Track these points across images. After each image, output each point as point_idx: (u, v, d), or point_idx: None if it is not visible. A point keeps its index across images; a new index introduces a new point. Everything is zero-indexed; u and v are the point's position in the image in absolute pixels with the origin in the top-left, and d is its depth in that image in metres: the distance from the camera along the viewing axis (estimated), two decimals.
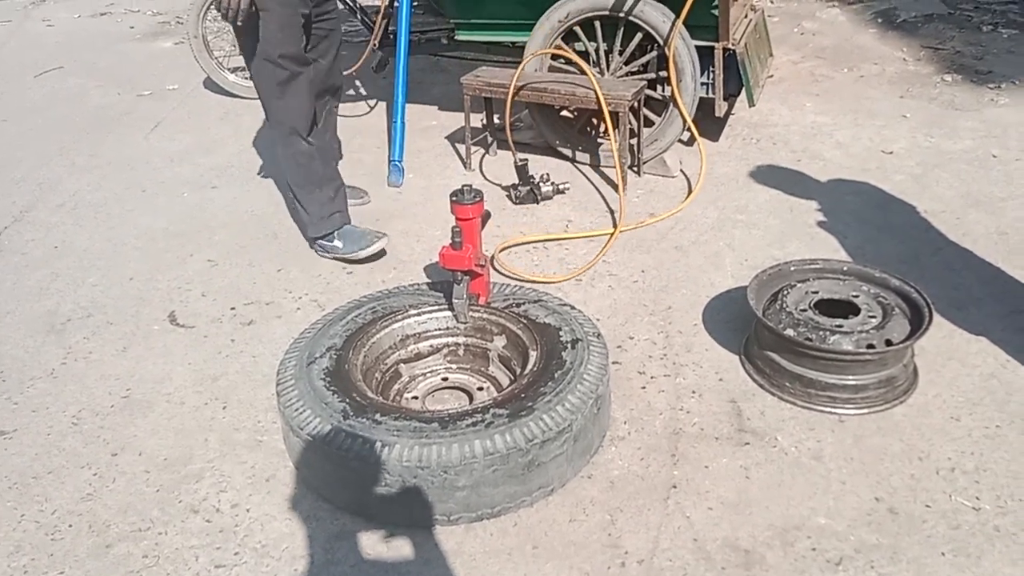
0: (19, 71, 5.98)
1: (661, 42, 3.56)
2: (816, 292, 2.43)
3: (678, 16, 3.45)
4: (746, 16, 4.06)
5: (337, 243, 3.07)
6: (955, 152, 3.76)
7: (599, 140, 3.91)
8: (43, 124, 4.85)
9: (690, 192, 3.51)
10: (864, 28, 5.59)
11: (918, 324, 2.26)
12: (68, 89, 5.52)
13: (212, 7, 4.84)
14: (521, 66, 3.67)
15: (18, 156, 4.37)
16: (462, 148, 3.98)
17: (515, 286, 2.58)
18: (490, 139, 4.04)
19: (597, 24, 3.67)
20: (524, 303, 2.42)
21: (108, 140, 4.54)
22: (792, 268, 2.56)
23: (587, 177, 3.78)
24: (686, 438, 2.17)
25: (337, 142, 3.44)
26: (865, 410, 2.20)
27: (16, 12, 7.89)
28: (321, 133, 3.05)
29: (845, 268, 2.53)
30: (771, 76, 4.61)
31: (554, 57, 3.79)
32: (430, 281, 2.79)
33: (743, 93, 3.88)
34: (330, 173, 3.08)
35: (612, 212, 3.43)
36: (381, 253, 3.08)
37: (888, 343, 2.19)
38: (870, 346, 2.19)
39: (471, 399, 2.29)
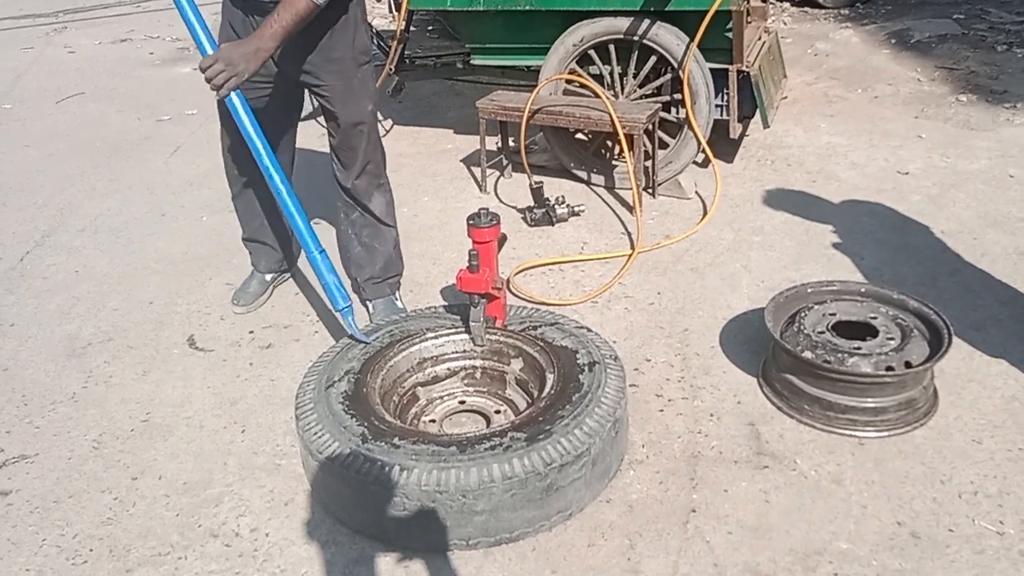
0: (41, 97, 6.09)
1: (675, 65, 3.59)
2: (834, 314, 2.42)
3: (692, 39, 3.47)
4: (760, 38, 4.08)
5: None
6: (971, 172, 3.74)
7: (614, 162, 3.93)
8: (65, 149, 4.93)
9: (705, 214, 3.52)
10: (878, 49, 5.60)
11: (937, 346, 2.25)
12: (89, 115, 5.61)
13: None
14: (536, 90, 3.71)
15: (40, 181, 4.44)
16: (477, 171, 4.00)
17: (531, 308, 2.59)
18: (505, 162, 4.07)
19: (611, 47, 3.70)
20: (541, 325, 2.42)
21: (128, 165, 4.61)
22: (809, 290, 2.55)
23: (602, 199, 3.79)
24: (705, 461, 2.16)
25: None
26: (885, 433, 2.19)
27: (38, 39, 8.04)
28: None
29: (863, 290, 2.53)
30: (785, 97, 4.62)
31: (569, 80, 3.82)
32: (447, 304, 2.79)
33: (757, 115, 3.89)
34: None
35: (627, 234, 3.44)
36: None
37: (907, 365, 2.18)
38: (889, 368, 2.17)
39: (489, 422, 2.30)
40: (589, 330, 2.40)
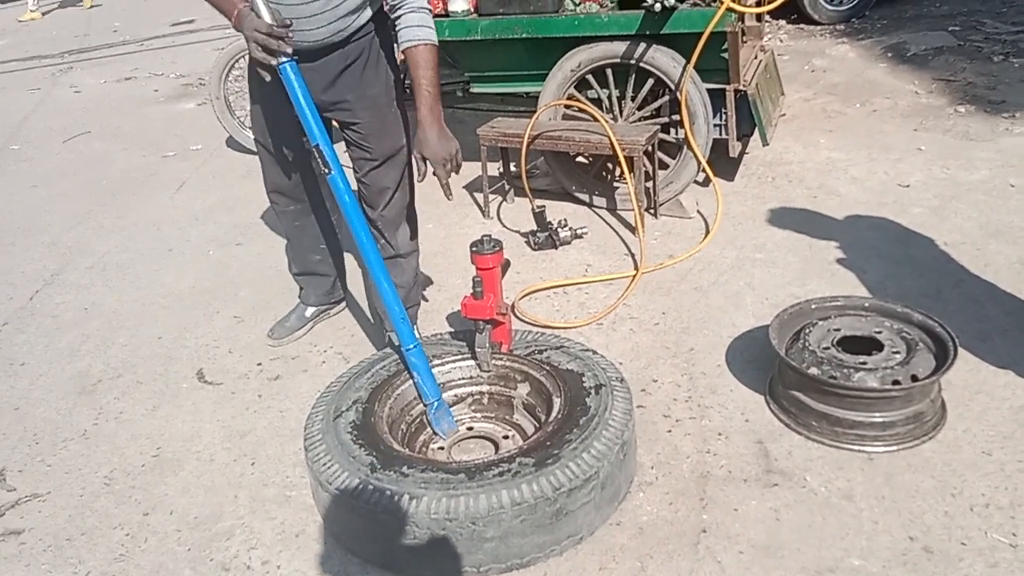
0: (48, 137, 6.17)
1: (673, 87, 3.62)
2: (838, 329, 2.42)
3: (688, 61, 3.51)
4: (756, 57, 4.11)
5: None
6: (972, 183, 3.75)
7: (615, 184, 3.95)
8: (72, 188, 4.99)
9: (707, 233, 3.53)
10: (875, 63, 5.64)
11: (943, 358, 2.24)
12: (95, 153, 5.68)
13: (233, 67, 4.99)
14: (535, 116, 3.74)
15: (48, 220, 4.49)
16: (480, 197, 4.03)
17: (537, 332, 2.60)
18: (507, 187, 4.10)
19: (609, 72, 3.73)
20: (546, 349, 2.43)
21: (134, 201, 4.66)
22: (813, 306, 2.56)
23: (605, 221, 3.82)
24: (714, 481, 2.16)
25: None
26: (894, 447, 2.18)
27: (45, 80, 8.16)
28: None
29: (867, 304, 2.53)
30: (783, 115, 4.65)
31: (568, 105, 3.85)
32: (452, 331, 2.81)
33: (756, 133, 3.91)
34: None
35: (631, 255, 3.46)
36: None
37: (914, 379, 2.18)
38: (896, 382, 2.17)
39: (497, 448, 2.30)
40: (595, 352, 2.40)
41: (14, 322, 3.42)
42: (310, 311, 3.06)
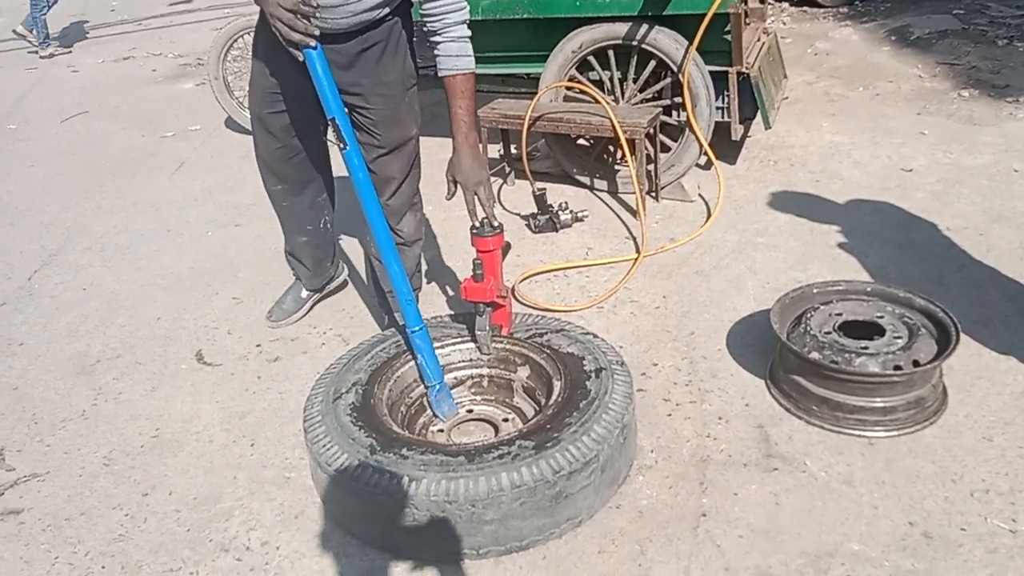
0: (45, 116, 6.13)
1: (675, 69, 3.59)
2: (840, 314, 2.41)
3: (691, 43, 3.48)
4: (759, 39, 4.08)
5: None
6: (975, 167, 3.73)
7: (616, 167, 3.93)
8: (70, 168, 4.96)
9: (709, 216, 3.51)
10: (878, 46, 5.60)
11: (945, 344, 2.24)
12: (93, 133, 5.65)
13: (232, 47, 4.95)
14: (536, 98, 3.72)
15: (46, 200, 4.47)
16: None
17: (537, 316, 2.58)
18: (508, 169, 4.07)
19: (611, 53, 3.70)
20: (547, 333, 2.42)
21: (133, 182, 4.63)
22: (815, 290, 2.55)
23: (606, 204, 3.80)
24: (714, 465, 2.16)
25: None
26: (895, 432, 2.18)
27: (42, 59, 8.09)
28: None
29: (868, 289, 2.52)
30: (786, 98, 4.62)
31: (569, 87, 3.83)
32: (453, 313, 2.80)
33: (759, 115, 3.89)
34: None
35: (632, 238, 3.44)
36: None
37: (915, 364, 2.17)
38: (897, 367, 2.17)
39: (497, 431, 2.30)
40: (595, 336, 2.39)
41: (12, 302, 3.41)
42: (306, 292, 3.04)
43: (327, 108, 2.13)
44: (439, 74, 2.26)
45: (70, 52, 8.29)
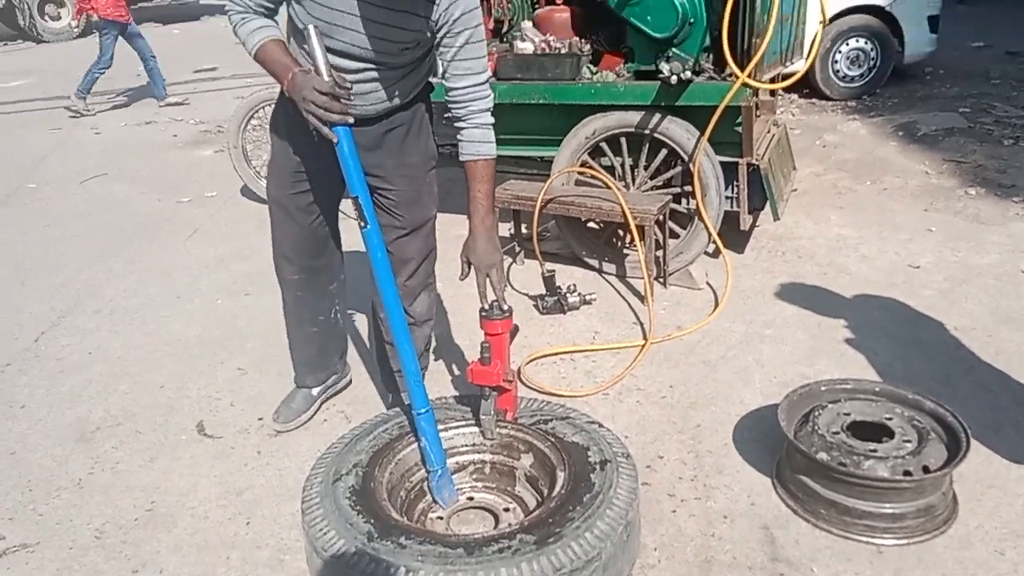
0: (66, 177, 6.24)
1: (686, 158, 3.65)
2: (848, 414, 2.39)
3: (703, 133, 3.55)
4: (769, 131, 4.16)
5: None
6: (982, 267, 3.75)
7: (625, 251, 3.96)
8: (86, 229, 5.02)
9: (717, 305, 3.52)
10: (885, 141, 5.70)
11: (955, 449, 2.21)
12: (112, 195, 5.74)
13: (253, 117, 5.06)
14: (549, 181, 3.77)
15: (60, 261, 4.51)
16: None
17: (542, 401, 2.57)
18: (518, 248, 4.11)
19: (623, 140, 3.77)
20: (552, 419, 2.40)
21: (147, 246, 4.68)
22: (823, 388, 2.53)
23: (614, 287, 3.81)
24: (718, 567, 2.11)
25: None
26: (904, 541, 2.13)
27: (66, 121, 8.29)
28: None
29: (877, 389, 2.50)
30: (795, 190, 4.68)
31: (581, 172, 3.88)
32: (457, 395, 2.78)
33: (768, 206, 3.93)
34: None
35: (639, 324, 3.44)
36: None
37: (925, 470, 2.14)
38: (907, 472, 2.13)
39: (497, 520, 2.25)
40: (601, 425, 2.37)
41: (17, 363, 3.41)
42: (316, 390, 2.90)
43: (351, 187, 2.15)
44: (460, 158, 2.29)
45: (93, 114, 8.50)
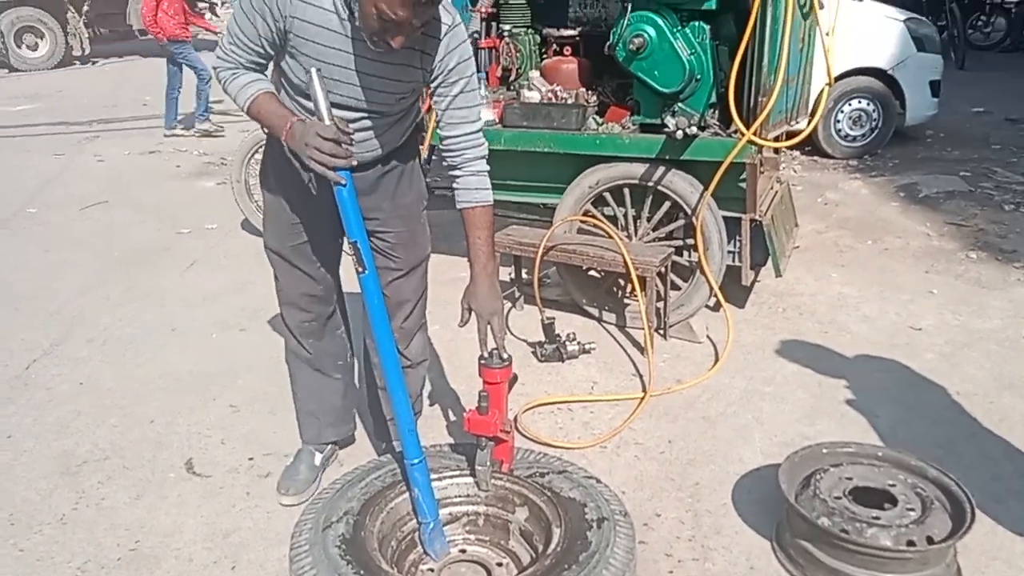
0: (67, 203, 6.23)
1: (689, 212, 3.65)
2: (851, 478, 2.35)
3: (706, 188, 3.55)
4: (772, 188, 4.18)
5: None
6: (984, 331, 3.74)
7: (625, 300, 3.94)
8: (84, 256, 4.99)
9: (717, 359, 3.49)
10: (887, 201, 5.73)
11: (960, 520, 2.17)
12: (111, 223, 5.72)
13: (257, 151, 5.06)
14: (552, 229, 3.77)
15: (56, 287, 4.47)
16: None
17: (539, 453, 2.52)
18: (517, 294, 4.09)
19: (626, 191, 3.78)
20: (548, 473, 2.35)
21: (144, 275, 4.65)
22: (824, 451, 2.49)
23: (613, 337, 3.79)
24: None
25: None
26: None
27: (71, 147, 8.32)
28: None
29: (880, 454, 2.47)
30: (797, 247, 4.69)
31: (583, 220, 3.88)
32: (452, 443, 2.74)
33: (769, 261, 3.93)
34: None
35: (638, 375, 3.41)
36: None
37: (930, 540, 2.10)
38: (910, 543, 2.09)
39: (489, 575, 2.19)
40: (598, 481, 2.32)
41: (6, 391, 3.35)
42: (319, 458, 2.73)
43: (350, 232, 2.13)
44: (458, 206, 2.29)
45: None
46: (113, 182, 6.88)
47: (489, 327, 2.27)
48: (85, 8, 14.21)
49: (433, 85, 2.20)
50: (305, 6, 2.02)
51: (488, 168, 2.29)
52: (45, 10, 14.00)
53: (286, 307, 2.59)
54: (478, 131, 2.26)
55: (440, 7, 2.07)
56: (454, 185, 2.29)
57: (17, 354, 3.68)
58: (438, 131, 2.28)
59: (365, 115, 2.21)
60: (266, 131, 2.34)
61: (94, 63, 14.74)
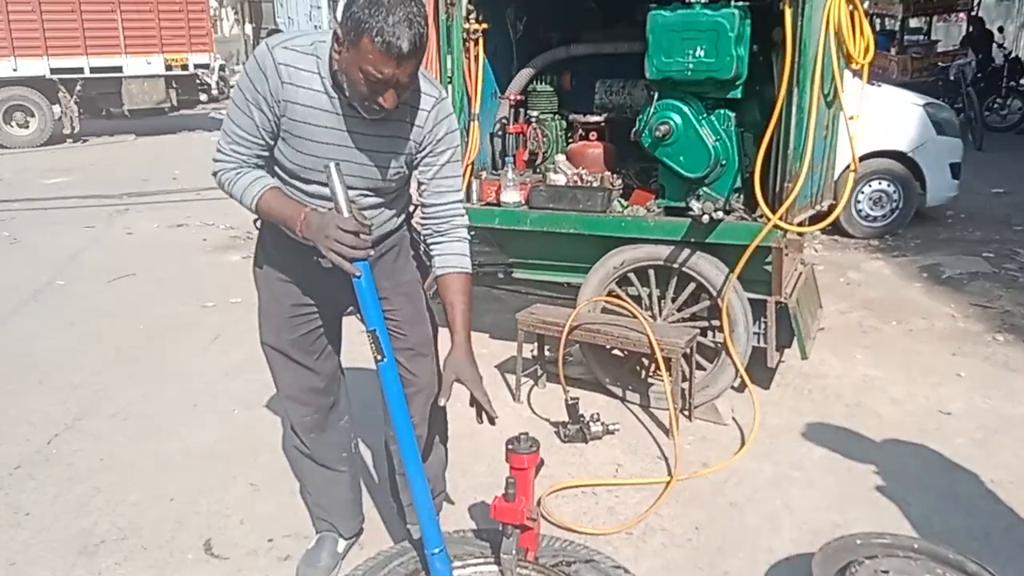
0: (94, 276, 6.32)
1: (714, 293, 3.65)
2: (887, 572, 2.27)
3: (732, 271, 3.56)
4: (796, 270, 4.18)
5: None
6: (1016, 417, 3.66)
7: (649, 380, 3.91)
8: (108, 330, 5.04)
9: (743, 442, 3.44)
10: (910, 281, 5.71)
11: None
12: (137, 296, 5.79)
13: None
14: (576, 309, 3.77)
15: (80, 361, 4.50)
16: (512, 378, 4.00)
17: (565, 540, 2.47)
18: (540, 371, 4.07)
19: (651, 272, 3.79)
20: (575, 562, 2.31)
21: (168, 350, 4.68)
22: (858, 541, 2.42)
23: (637, 418, 3.75)
24: None
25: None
26: None
27: (101, 219, 8.49)
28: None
29: (916, 546, 2.39)
30: (822, 328, 4.65)
31: (608, 300, 3.89)
32: (476, 528, 2.69)
33: (795, 343, 3.90)
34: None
35: (663, 458, 3.36)
36: None
37: None
38: None
39: None
40: (627, 571, 2.27)
41: (27, 466, 3.35)
42: (342, 544, 2.69)
43: (369, 320, 2.11)
44: (437, 272, 2.31)
45: None
46: (141, 255, 6.99)
47: (472, 393, 2.26)
48: (77, 88, 14.52)
49: (421, 156, 2.25)
50: (296, 89, 2.07)
51: (468, 236, 2.35)
52: (36, 89, 14.25)
53: (286, 401, 2.57)
54: (460, 200, 2.33)
55: (428, 82, 2.16)
56: (434, 252, 2.33)
57: (40, 428, 3.69)
58: (421, 200, 2.34)
59: (363, 193, 2.23)
60: (259, 226, 2.39)
61: (84, 141, 15.04)
